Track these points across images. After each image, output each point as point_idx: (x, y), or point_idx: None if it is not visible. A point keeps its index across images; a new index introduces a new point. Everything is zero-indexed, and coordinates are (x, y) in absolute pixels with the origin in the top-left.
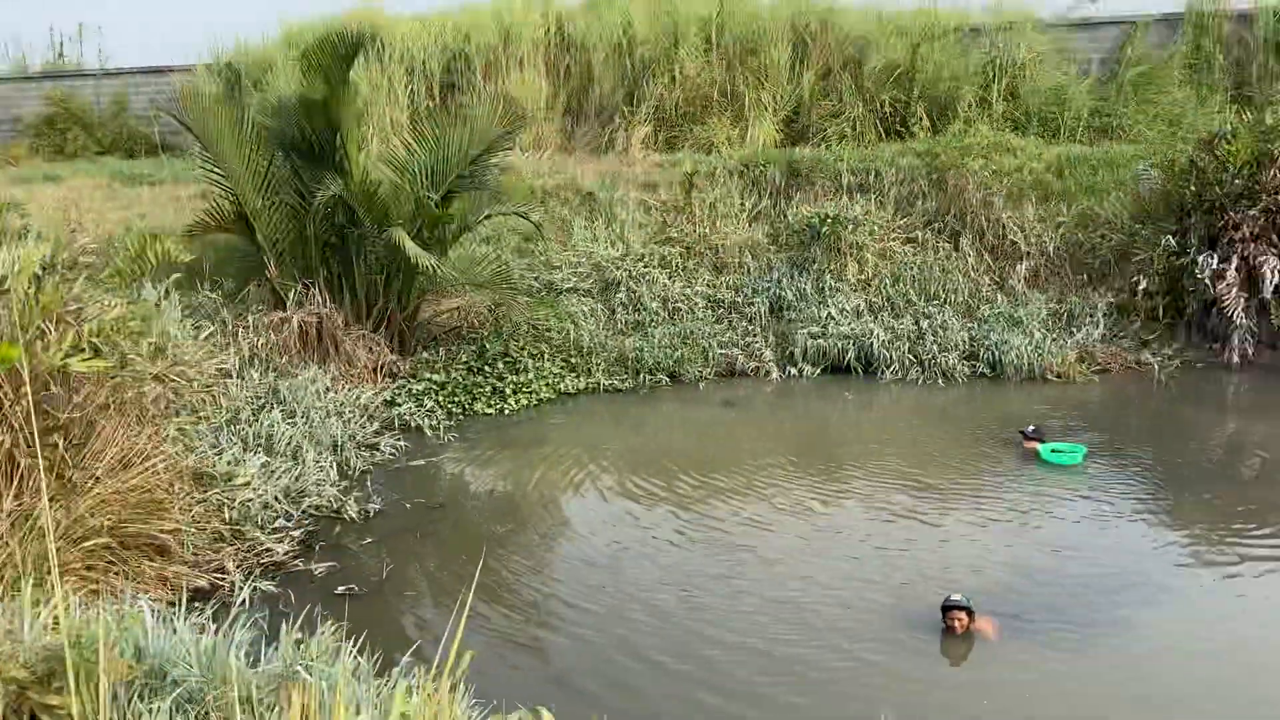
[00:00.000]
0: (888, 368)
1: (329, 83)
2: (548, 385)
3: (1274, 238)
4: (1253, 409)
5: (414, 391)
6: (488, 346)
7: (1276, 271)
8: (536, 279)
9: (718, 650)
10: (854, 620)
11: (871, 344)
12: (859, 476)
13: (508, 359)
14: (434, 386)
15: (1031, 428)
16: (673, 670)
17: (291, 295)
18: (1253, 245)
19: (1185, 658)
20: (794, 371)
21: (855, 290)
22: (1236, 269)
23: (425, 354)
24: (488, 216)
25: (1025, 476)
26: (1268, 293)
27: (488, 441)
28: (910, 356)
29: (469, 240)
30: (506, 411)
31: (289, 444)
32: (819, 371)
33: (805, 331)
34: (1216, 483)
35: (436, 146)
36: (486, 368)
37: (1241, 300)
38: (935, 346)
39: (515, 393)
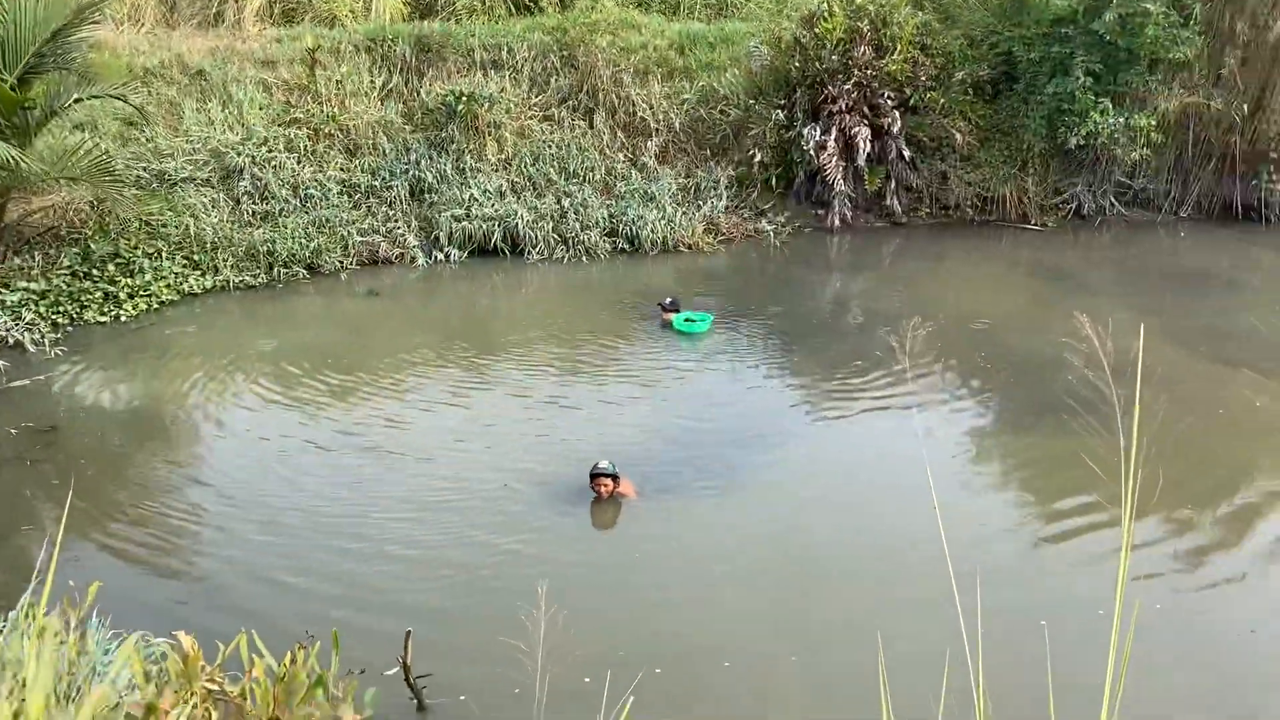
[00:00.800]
0: (534, 248)
1: None
2: (169, 286)
3: (866, 110)
4: (852, 267)
5: (8, 304)
6: (94, 247)
7: (868, 141)
8: (145, 169)
9: (354, 563)
10: (504, 510)
11: (516, 224)
12: (508, 361)
13: (119, 260)
14: (32, 296)
15: (669, 299)
16: (304, 589)
17: None
18: (848, 117)
19: (810, 490)
20: (440, 256)
21: (496, 170)
22: (835, 140)
23: (18, 260)
24: (78, 100)
25: (663, 346)
26: (861, 161)
27: (103, 353)
28: (555, 236)
29: (58, 128)
30: (123, 318)
31: None
32: (466, 255)
33: (449, 214)
34: (826, 335)
35: (6, 20)
36: (95, 271)
37: (841, 168)
38: (578, 225)
39: (132, 297)
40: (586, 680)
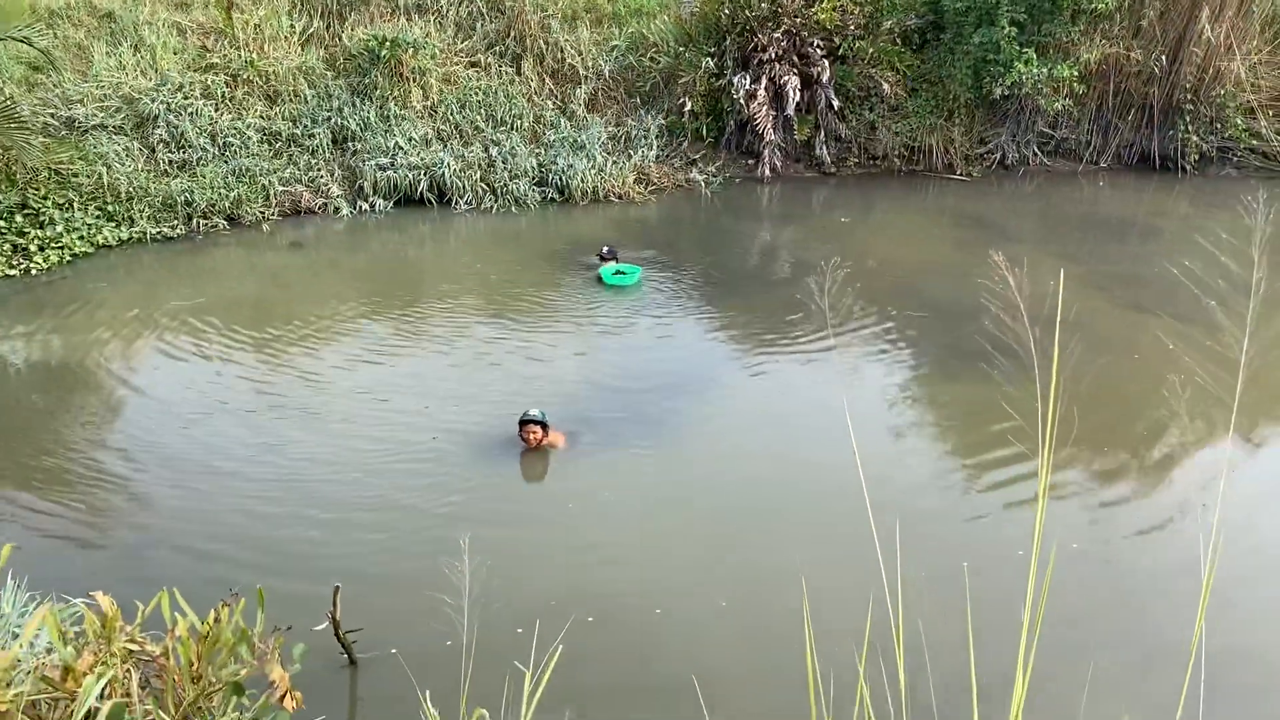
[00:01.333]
0: (461, 197)
1: None
2: (82, 238)
3: (795, 59)
4: (781, 217)
5: None
6: (0, 198)
7: (797, 91)
8: (53, 115)
9: (276, 526)
10: (431, 466)
11: (443, 173)
12: (435, 314)
13: (28, 211)
14: None
15: (606, 248)
16: (223, 553)
17: None
18: (778, 66)
19: (741, 441)
20: (365, 206)
21: (422, 118)
22: (765, 89)
23: None
24: None
25: (594, 298)
26: (791, 110)
27: (13, 308)
28: (483, 185)
29: None
30: (34, 271)
31: None
32: (392, 205)
33: (373, 163)
34: (757, 286)
35: None
36: (2, 222)
37: (771, 118)
38: (506, 174)
39: (42, 249)
40: (519, 631)
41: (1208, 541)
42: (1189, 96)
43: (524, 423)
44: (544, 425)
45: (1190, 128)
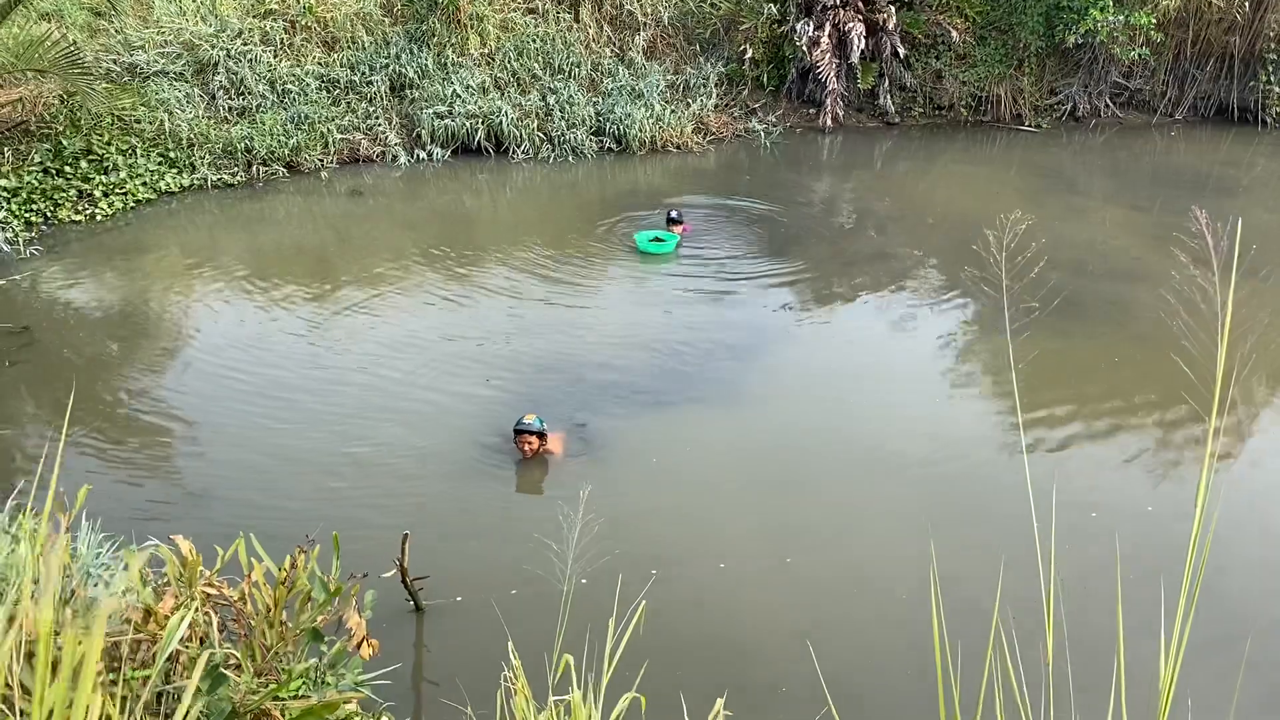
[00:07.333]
0: (518, 146)
1: None
2: (145, 184)
3: (860, 5)
4: (843, 167)
5: None
6: (65, 143)
7: (862, 38)
8: (115, 62)
9: (342, 470)
10: (490, 418)
11: (500, 122)
12: (492, 266)
13: (92, 157)
14: (3, 194)
15: (674, 211)
16: (290, 495)
17: None
18: (842, 12)
19: (806, 400)
20: (423, 155)
21: (479, 65)
22: (829, 36)
23: None
24: None
25: (650, 258)
26: (855, 58)
27: (79, 252)
28: (540, 134)
29: (22, 17)
30: (99, 217)
31: None
32: (449, 153)
33: (431, 111)
34: (818, 239)
35: None
36: (67, 168)
37: (834, 66)
38: (563, 123)
39: (106, 195)
40: (583, 582)
41: None
42: (1273, 45)
43: (519, 431)
44: (541, 435)
45: (1273, 78)
